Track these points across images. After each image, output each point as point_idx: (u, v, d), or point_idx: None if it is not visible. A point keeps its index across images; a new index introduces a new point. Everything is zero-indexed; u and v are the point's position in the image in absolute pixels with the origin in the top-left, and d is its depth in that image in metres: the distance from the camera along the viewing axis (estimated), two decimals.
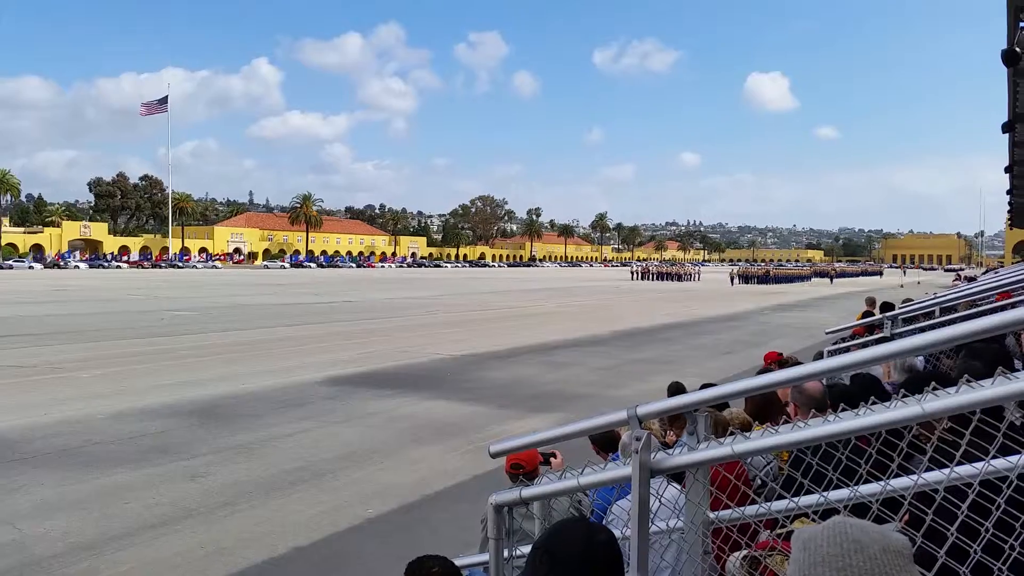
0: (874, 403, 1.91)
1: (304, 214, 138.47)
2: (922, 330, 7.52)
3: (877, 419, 1.84)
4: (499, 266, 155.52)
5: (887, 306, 11.96)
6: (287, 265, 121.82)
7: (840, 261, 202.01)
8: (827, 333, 10.82)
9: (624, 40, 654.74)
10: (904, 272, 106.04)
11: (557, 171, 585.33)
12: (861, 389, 3.82)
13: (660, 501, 2.47)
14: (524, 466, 4.29)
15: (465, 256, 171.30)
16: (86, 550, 6.51)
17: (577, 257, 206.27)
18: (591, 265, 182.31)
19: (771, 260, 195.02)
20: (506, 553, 2.87)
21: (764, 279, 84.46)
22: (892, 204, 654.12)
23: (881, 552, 1.18)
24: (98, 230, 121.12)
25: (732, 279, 79.94)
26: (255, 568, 6.30)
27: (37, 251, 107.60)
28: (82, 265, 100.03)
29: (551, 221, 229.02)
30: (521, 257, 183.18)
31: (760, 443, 2.12)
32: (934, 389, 1.75)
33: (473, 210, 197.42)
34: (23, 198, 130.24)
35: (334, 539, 6.97)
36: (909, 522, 1.97)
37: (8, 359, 17.26)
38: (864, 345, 7.59)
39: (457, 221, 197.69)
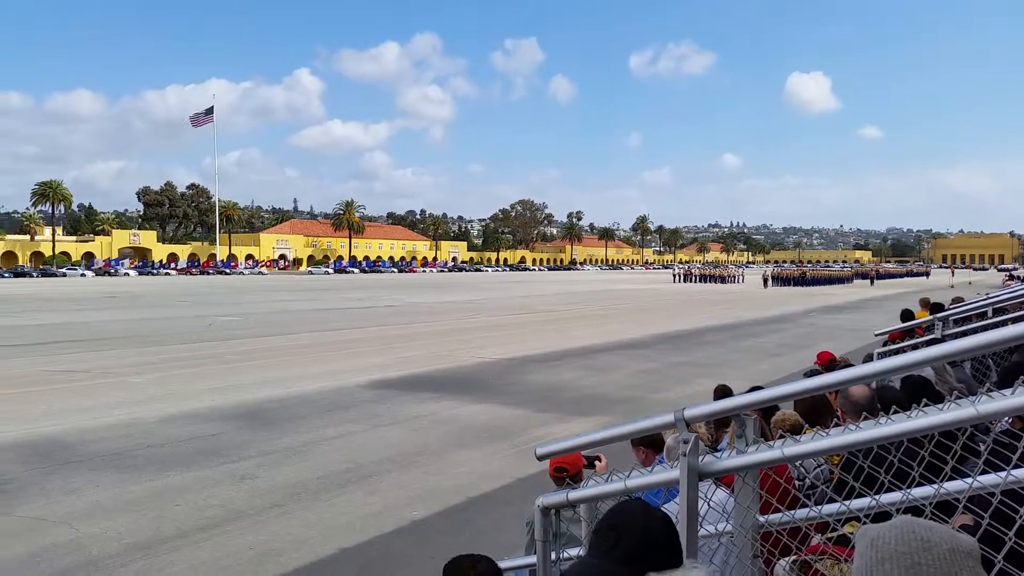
0: (926, 405, 1.88)
1: (347, 220, 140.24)
2: (975, 331, 7.35)
3: (929, 421, 1.81)
4: (539, 270, 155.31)
5: (937, 307, 11.67)
6: (331, 271, 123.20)
7: (888, 262, 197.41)
8: (876, 335, 10.66)
9: (660, 43, 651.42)
10: (953, 272, 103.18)
11: (595, 175, 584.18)
12: (912, 391, 3.75)
13: (709, 504, 2.46)
14: (568, 469, 4.28)
15: (505, 260, 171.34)
16: (140, 550, 6.68)
17: (618, 260, 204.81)
18: (632, 268, 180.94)
19: (813, 262, 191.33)
20: (553, 555, 2.88)
21: (800, 281, 78.91)
22: (941, 204, 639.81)
23: (950, 552, 1.18)
24: (147, 238, 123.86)
25: (766, 281, 72.76)
26: (303, 569, 6.40)
27: (89, 259, 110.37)
28: (132, 272, 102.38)
29: (591, 224, 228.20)
30: (561, 261, 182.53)
31: (810, 446, 2.09)
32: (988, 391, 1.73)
33: (513, 214, 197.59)
34: (75, 208, 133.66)
35: (379, 541, 7.05)
36: (963, 526, 1.93)
37: (63, 364, 17.78)
38: (915, 347, 7.44)
39: (497, 225, 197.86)
